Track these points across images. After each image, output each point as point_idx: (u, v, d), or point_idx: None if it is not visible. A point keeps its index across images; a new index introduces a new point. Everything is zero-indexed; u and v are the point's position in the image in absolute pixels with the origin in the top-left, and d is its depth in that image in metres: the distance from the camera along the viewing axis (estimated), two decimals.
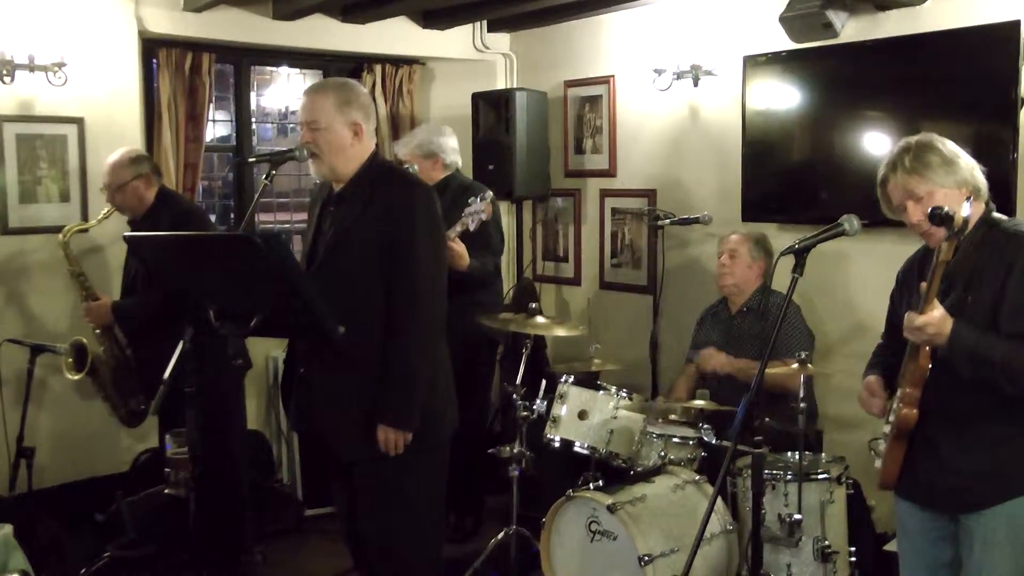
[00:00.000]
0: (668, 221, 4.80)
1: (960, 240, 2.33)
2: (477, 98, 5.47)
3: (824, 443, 4.11)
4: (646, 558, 3.27)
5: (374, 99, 3.37)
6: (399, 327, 2.90)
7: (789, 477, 3.40)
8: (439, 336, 3.05)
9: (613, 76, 5.36)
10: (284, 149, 3.05)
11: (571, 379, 3.95)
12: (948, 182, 2.51)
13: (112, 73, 4.70)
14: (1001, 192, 3.21)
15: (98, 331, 4.27)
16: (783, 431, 3.55)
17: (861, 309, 4.29)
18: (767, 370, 2.72)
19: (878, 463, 2.69)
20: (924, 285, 2.40)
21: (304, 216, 5.68)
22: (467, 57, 5.84)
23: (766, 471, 3.30)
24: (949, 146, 2.56)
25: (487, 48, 5.87)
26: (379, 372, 2.90)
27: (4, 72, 4.37)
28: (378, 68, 5.68)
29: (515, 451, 3.97)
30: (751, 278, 4.25)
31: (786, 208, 4.52)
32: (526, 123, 5.30)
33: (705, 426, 3.83)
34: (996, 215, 2.59)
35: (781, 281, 3.19)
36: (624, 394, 3.90)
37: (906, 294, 2.72)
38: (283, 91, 6.06)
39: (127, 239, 3.22)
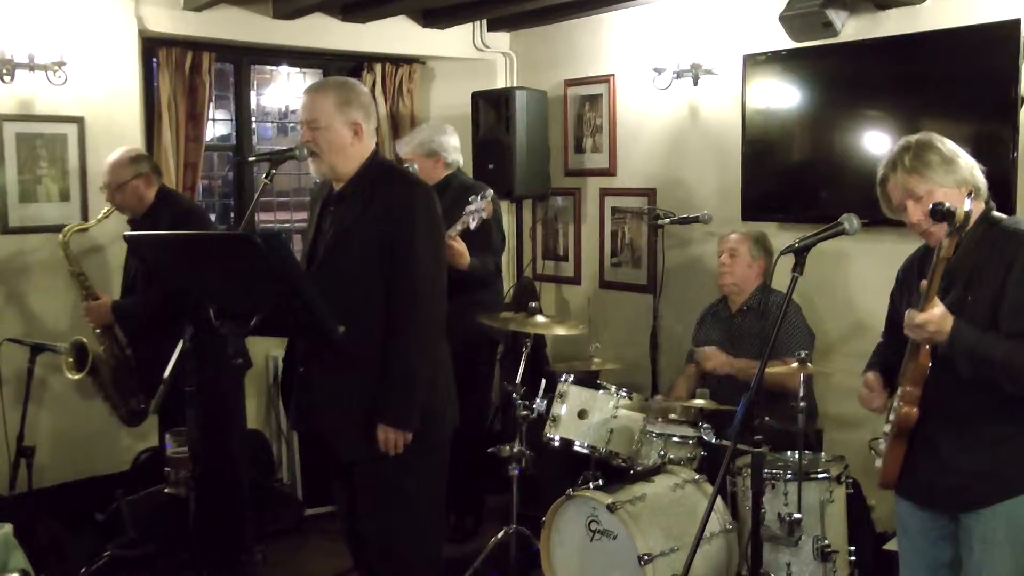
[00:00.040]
0: (668, 220, 4.80)
1: (961, 236, 2.33)
2: (477, 97, 5.47)
3: (824, 442, 4.11)
4: (646, 557, 3.28)
5: (374, 98, 3.37)
6: (399, 327, 2.90)
7: (789, 476, 3.41)
8: (439, 336, 3.05)
9: (613, 75, 5.36)
10: (284, 148, 3.05)
11: (571, 378, 3.95)
12: (948, 181, 2.51)
13: (112, 72, 4.70)
14: (1001, 191, 3.21)
15: (98, 331, 4.27)
16: (783, 430, 3.55)
17: (861, 308, 4.29)
18: (767, 369, 2.72)
19: (878, 462, 2.69)
20: (925, 283, 2.40)
21: (304, 215, 5.71)
22: (467, 56, 5.84)
23: (766, 470, 3.30)
24: (948, 145, 2.56)
25: (487, 47, 5.87)
26: (379, 372, 2.90)
27: (4, 71, 4.37)
28: (378, 67, 5.68)
29: (515, 450, 3.97)
30: (751, 277, 4.25)
31: (786, 207, 4.52)
32: (526, 122, 5.30)
33: (705, 425, 3.83)
34: (996, 214, 2.59)
35: (781, 280, 3.19)
36: (624, 393, 3.90)
37: (906, 293, 2.72)
38: (283, 90, 6.06)
39: (127, 238, 3.22)
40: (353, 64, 5.71)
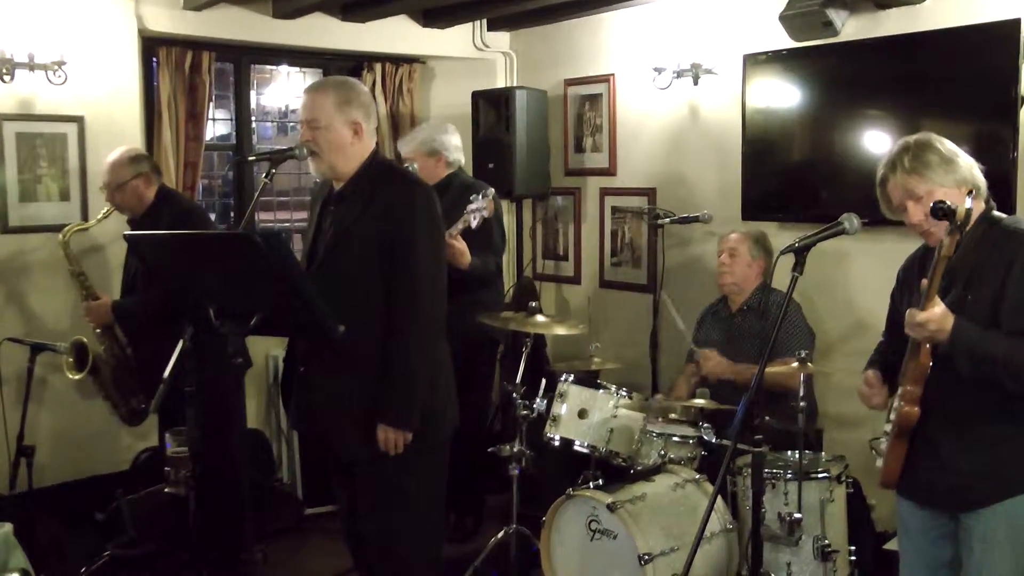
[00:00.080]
0: (668, 220, 4.80)
1: (962, 235, 2.33)
2: (477, 97, 5.47)
3: (824, 442, 4.11)
4: (646, 557, 3.27)
5: (374, 98, 3.37)
6: (399, 327, 2.90)
7: (789, 476, 3.40)
8: (439, 336, 3.05)
9: (613, 75, 5.36)
10: (284, 148, 3.04)
11: (571, 378, 3.95)
12: (947, 181, 2.51)
13: (112, 72, 4.70)
14: (1001, 190, 3.21)
15: (98, 330, 4.27)
16: (783, 430, 3.55)
17: (861, 308, 4.29)
18: (767, 369, 2.72)
19: (879, 462, 2.69)
20: (925, 282, 2.40)
21: (304, 215, 5.71)
22: (467, 56, 5.84)
23: (766, 470, 3.29)
24: (948, 145, 2.57)
25: (487, 47, 5.87)
26: (379, 371, 2.90)
27: (4, 71, 4.36)
28: (378, 67, 5.68)
29: (515, 450, 3.97)
30: (751, 277, 4.25)
31: (786, 207, 4.52)
32: (526, 122, 5.30)
33: (705, 425, 3.83)
34: (996, 213, 2.59)
35: (781, 280, 3.19)
36: (624, 393, 3.89)
37: (907, 292, 2.72)
38: (283, 90, 6.06)
39: (127, 238, 3.22)
40: (353, 64, 5.70)
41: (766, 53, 4.51)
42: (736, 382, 4.02)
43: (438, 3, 5.17)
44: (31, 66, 4.41)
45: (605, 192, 5.50)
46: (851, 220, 2.64)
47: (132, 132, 4.77)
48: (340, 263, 2.95)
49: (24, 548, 3.00)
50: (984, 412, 2.49)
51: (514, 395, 4.00)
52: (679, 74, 4.89)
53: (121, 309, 4.14)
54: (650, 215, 5.05)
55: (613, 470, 3.80)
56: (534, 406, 3.96)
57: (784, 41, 4.38)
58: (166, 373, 2.84)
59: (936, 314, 2.39)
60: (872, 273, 4.16)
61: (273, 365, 5.23)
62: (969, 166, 2.56)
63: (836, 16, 4.15)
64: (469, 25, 5.75)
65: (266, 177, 3.02)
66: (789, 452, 3.58)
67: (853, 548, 3.50)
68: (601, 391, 3.89)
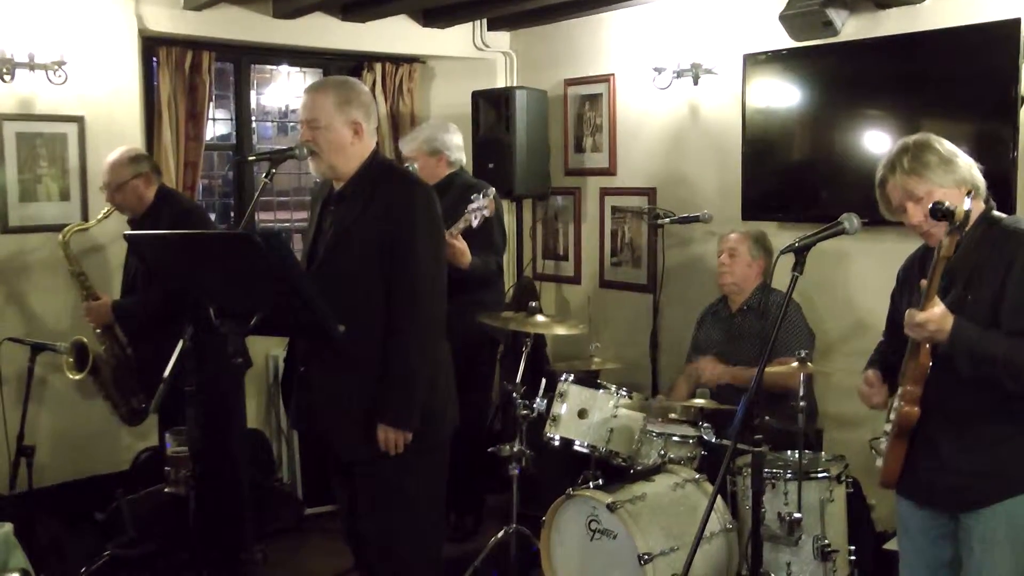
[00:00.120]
0: (668, 220, 4.80)
1: (962, 235, 2.33)
2: (477, 96, 5.47)
3: (824, 442, 4.11)
4: (646, 557, 3.27)
5: (374, 98, 3.37)
6: (399, 327, 2.90)
7: (789, 476, 3.40)
8: (439, 335, 3.05)
9: (613, 75, 5.36)
10: (284, 148, 3.04)
11: (571, 378, 3.95)
12: (947, 181, 2.51)
13: (112, 71, 4.70)
14: (1001, 190, 3.21)
15: (98, 330, 4.27)
16: (783, 429, 3.55)
17: (861, 307, 4.29)
18: (767, 369, 2.72)
19: (879, 462, 2.69)
20: (924, 282, 2.40)
21: (304, 215, 5.71)
22: (467, 55, 5.84)
23: (766, 470, 3.30)
24: (947, 145, 2.57)
25: (487, 46, 5.87)
26: (379, 372, 2.90)
27: (4, 71, 4.37)
28: (378, 67, 5.68)
29: (515, 450, 3.97)
30: (751, 276, 4.25)
31: (786, 206, 4.52)
32: (526, 122, 5.30)
33: (705, 425, 3.83)
34: (996, 213, 2.59)
35: (781, 280, 3.19)
36: (624, 393, 3.89)
37: (907, 292, 2.72)
38: (283, 89, 6.06)
39: (127, 238, 3.22)
40: (353, 64, 5.71)
41: (766, 53, 4.51)
42: (735, 384, 4.02)
43: (438, 3, 5.17)
44: (31, 66, 4.41)
45: (605, 192, 5.51)
46: (851, 220, 2.64)
47: (132, 132, 4.77)
48: (340, 263, 2.95)
49: (24, 548, 3.00)
50: (984, 412, 2.49)
51: (514, 395, 4.00)
52: (679, 74, 4.89)
53: (121, 309, 4.14)
54: (650, 215, 5.05)
55: (613, 470, 3.80)
56: (534, 406, 3.96)
57: (784, 41, 4.38)
58: (166, 373, 2.84)
59: (935, 314, 2.39)
60: (872, 273, 4.16)
61: (273, 365, 5.23)
62: (968, 166, 2.56)
63: (836, 16, 4.15)
64: (469, 25, 5.75)
65: (266, 177, 3.02)
66: (789, 452, 3.58)
67: (853, 548, 3.50)
68: (601, 391, 3.89)
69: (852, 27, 4.23)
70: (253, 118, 5.60)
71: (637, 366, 4.89)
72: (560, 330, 4.24)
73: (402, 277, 2.91)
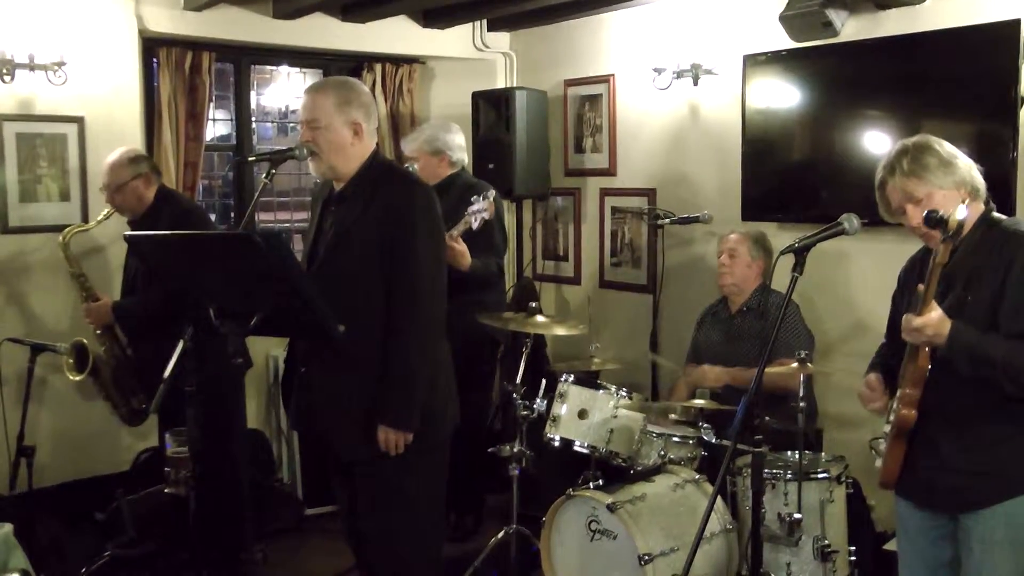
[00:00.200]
0: (668, 220, 4.81)
1: (956, 242, 2.34)
2: (477, 97, 5.48)
3: (824, 442, 4.11)
4: (646, 557, 3.28)
5: (374, 98, 3.37)
6: (399, 327, 2.90)
7: (789, 476, 3.40)
8: (439, 336, 3.05)
9: (613, 75, 5.36)
10: (284, 148, 3.05)
11: (571, 378, 3.95)
12: (947, 183, 2.51)
13: (112, 72, 4.70)
14: (1001, 191, 3.22)
15: (99, 331, 4.27)
16: (783, 430, 3.55)
17: (861, 308, 4.30)
18: (767, 369, 2.72)
19: (879, 462, 2.69)
20: (921, 287, 2.40)
21: (304, 215, 5.72)
22: (467, 56, 5.84)
23: (766, 470, 3.30)
24: (946, 147, 2.57)
25: (487, 47, 5.87)
26: (379, 372, 2.90)
27: (4, 71, 4.37)
28: (378, 67, 5.68)
29: (515, 450, 3.97)
30: (751, 277, 4.24)
31: (786, 207, 4.52)
32: (526, 122, 5.30)
33: (705, 425, 3.83)
34: (996, 215, 2.59)
35: (781, 280, 3.19)
36: (624, 393, 3.89)
37: (907, 294, 2.72)
38: (283, 90, 6.06)
39: (127, 238, 3.22)
40: (353, 64, 5.71)
41: (766, 53, 4.51)
42: (736, 385, 4.02)
43: (438, 3, 5.17)
44: (31, 66, 4.41)
45: (605, 192, 5.51)
46: (851, 220, 2.64)
47: (132, 132, 4.77)
48: (340, 263, 2.95)
49: (24, 548, 3.01)
50: (984, 412, 2.49)
51: (514, 395, 4.00)
52: (679, 74, 4.89)
53: (121, 309, 4.14)
54: (650, 215, 5.05)
55: (613, 470, 3.80)
56: (534, 406, 3.96)
57: (784, 41, 4.38)
58: (166, 373, 2.84)
59: (933, 319, 2.39)
60: (872, 273, 4.16)
61: (273, 365, 5.24)
62: (968, 168, 2.56)
63: (836, 16, 4.15)
64: (469, 25, 5.76)
65: (266, 177, 3.02)
66: (789, 452, 3.57)
67: (853, 548, 3.50)
68: (601, 391, 3.89)
69: (852, 28, 4.23)
70: (253, 119, 5.60)
71: (637, 366, 4.89)
72: (560, 330, 4.24)
73: (402, 277, 2.91)
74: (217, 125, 5.55)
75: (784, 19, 4.25)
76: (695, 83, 4.82)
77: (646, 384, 4.84)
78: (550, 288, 5.92)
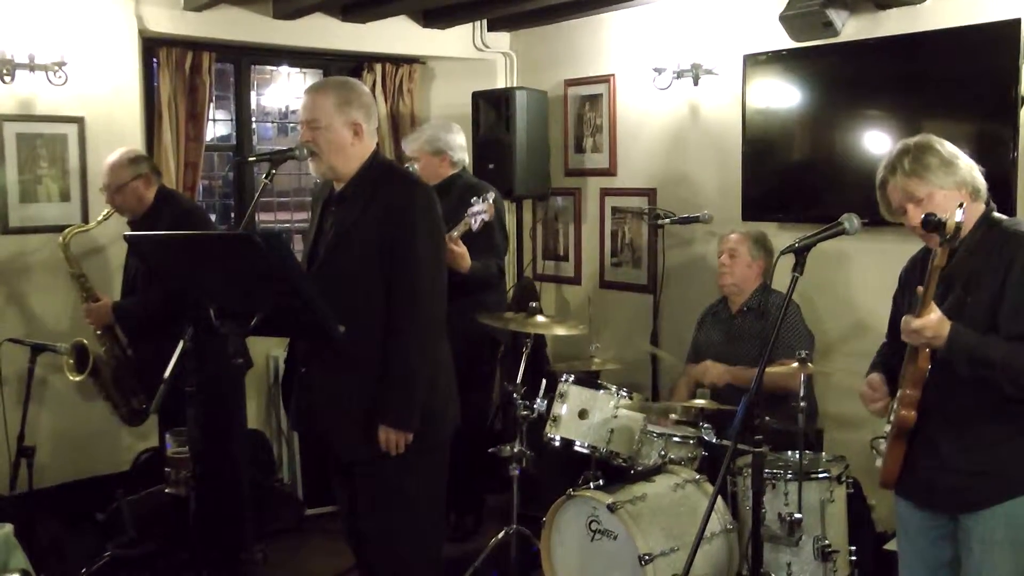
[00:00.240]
0: (668, 220, 4.81)
1: (954, 245, 2.33)
2: (477, 97, 5.48)
3: (824, 442, 4.11)
4: (646, 557, 3.27)
5: (374, 98, 3.37)
6: (399, 327, 2.90)
7: (789, 476, 3.40)
8: (439, 336, 3.05)
9: (613, 75, 5.36)
10: (284, 148, 3.05)
11: (571, 378, 3.95)
12: (947, 183, 2.51)
13: (112, 72, 4.70)
14: (1001, 191, 3.21)
15: (99, 332, 4.27)
16: (783, 430, 3.55)
17: (861, 308, 4.29)
18: (767, 369, 2.71)
19: (879, 462, 2.69)
20: (920, 289, 2.40)
21: (304, 215, 5.72)
22: (467, 56, 5.84)
23: (766, 470, 3.30)
24: (948, 147, 2.56)
25: (487, 47, 5.88)
26: (379, 372, 2.90)
27: (4, 71, 4.37)
28: (378, 67, 5.68)
29: (515, 450, 3.97)
30: (751, 277, 4.24)
31: (786, 207, 4.52)
32: (526, 122, 5.30)
33: (705, 425, 3.83)
34: (996, 215, 2.58)
35: (781, 280, 3.19)
36: (624, 393, 3.89)
37: (908, 294, 2.72)
38: (283, 90, 6.06)
39: (127, 239, 3.22)
40: (353, 64, 5.71)
41: (766, 53, 4.51)
42: (737, 384, 4.02)
43: (438, 3, 5.17)
44: (31, 67, 4.41)
45: (605, 192, 5.51)
46: (851, 220, 2.64)
47: (132, 133, 4.77)
48: (341, 264, 2.95)
49: (24, 548, 3.01)
50: (984, 413, 2.49)
51: (514, 395, 4.00)
52: (679, 74, 4.89)
53: (122, 310, 4.14)
54: (650, 215, 5.05)
55: (613, 470, 3.80)
56: (534, 406, 3.96)
57: (784, 41, 4.38)
58: (166, 373, 2.84)
59: (932, 321, 2.38)
60: (872, 273, 4.16)
61: (273, 365, 5.23)
62: (969, 168, 2.56)
63: (836, 16, 4.15)
64: (469, 25, 5.76)
65: (266, 178, 3.02)
66: (789, 452, 3.58)
67: (853, 548, 3.50)
68: (601, 391, 3.89)
69: (852, 27, 4.23)
70: (253, 119, 5.60)
71: (637, 366, 4.89)
72: (560, 330, 4.24)
73: (402, 277, 2.91)
74: (217, 125, 5.55)
75: (784, 19, 4.25)
76: (695, 83, 4.82)
77: (646, 384, 4.85)
78: (550, 288, 5.92)
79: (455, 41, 5.78)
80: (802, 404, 3.41)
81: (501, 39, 5.93)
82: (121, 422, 4.46)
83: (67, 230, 4.33)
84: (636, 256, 5.37)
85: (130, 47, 4.75)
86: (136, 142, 4.69)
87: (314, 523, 4.92)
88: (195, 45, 5.01)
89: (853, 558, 3.49)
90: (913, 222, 2.54)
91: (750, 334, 4.15)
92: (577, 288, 5.75)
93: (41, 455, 4.24)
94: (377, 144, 3.12)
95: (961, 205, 2.34)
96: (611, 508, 3.37)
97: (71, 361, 4.27)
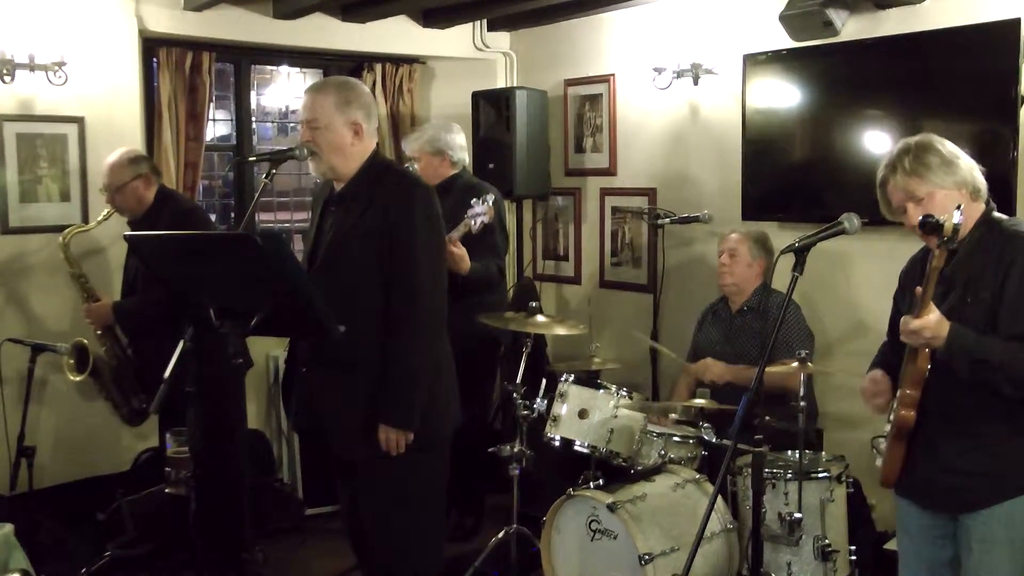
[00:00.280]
0: (668, 220, 4.81)
1: (954, 246, 2.33)
2: (477, 97, 5.48)
3: (824, 442, 4.11)
4: (646, 557, 3.28)
5: (374, 98, 3.37)
6: (399, 327, 2.90)
7: (789, 476, 3.40)
8: (440, 335, 3.05)
9: (613, 75, 5.36)
10: (284, 148, 3.05)
11: (571, 378, 3.95)
12: (948, 183, 2.51)
13: (112, 72, 4.70)
14: (1001, 191, 3.21)
15: (99, 332, 4.27)
16: (783, 430, 3.55)
17: (861, 308, 4.29)
18: (768, 369, 2.71)
19: (879, 461, 2.69)
20: (919, 289, 2.40)
21: (304, 215, 5.72)
22: (467, 56, 5.84)
23: (766, 470, 3.30)
24: (948, 147, 2.56)
25: (487, 47, 5.88)
26: (380, 372, 2.90)
27: (4, 71, 4.37)
28: (378, 67, 5.69)
29: (515, 450, 3.97)
30: (751, 277, 4.24)
31: (786, 207, 4.52)
32: (526, 122, 5.30)
33: (705, 425, 3.83)
34: (996, 215, 2.58)
35: (782, 280, 3.19)
36: (624, 393, 3.89)
37: (908, 294, 2.72)
38: (283, 90, 6.06)
39: (127, 239, 3.22)
40: (353, 64, 5.71)
41: (766, 53, 4.51)
42: (738, 383, 4.02)
43: (438, 3, 5.17)
44: (31, 67, 4.41)
45: (605, 192, 5.51)
46: (851, 220, 2.64)
47: (132, 133, 4.77)
48: (341, 264, 2.95)
49: (25, 549, 3.01)
50: (983, 413, 2.49)
51: (514, 395, 4.01)
52: (679, 74, 4.89)
53: (122, 310, 4.14)
54: (650, 215, 5.05)
55: (613, 470, 3.80)
56: (534, 406, 3.96)
57: (784, 41, 4.38)
58: (167, 373, 2.84)
59: (931, 321, 2.38)
60: (872, 273, 4.16)
61: (273, 365, 5.24)
62: (970, 168, 2.56)
63: (836, 16, 4.15)
64: (469, 25, 5.76)
65: (266, 178, 3.03)
66: (789, 452, 3.58)
67: (853, 548, 3.50)
68: (601, 391, 3.89)
69: (852, 27, 4.23)
70: (253, 119, 5.61)
71: (637, 366, 4.89)
72: (560, 330, 4.24)
73: (402, 277, 2.91)
74: (217, 125, 5.55)
75: (784, 19, 4.25)
76: (695, 83, 4.82)
77: (646, 384, 4.85)
78: (550, 288, 5.92)
79: (455, 41, 5.78)
80: (802, 404, 3.41)
81: (501, 39, 5.93)
82: (121, 422, 4.46)
83: (67, 230, 4.33)
84: (636, 256, 5.37)
85: (130, 47, 4.75)
86: (136, 142, 4.69)
87: (314, 523, 4.91)
88: (195, 45, 5.01)
89: (853, 558, 3.49)
90: (913, 221, 2.54)
91: (750, 334, 4.15)
92: (577, 288, 5.75)
93: (41, 455, 4.25)
94: (377, 144, 3.11)
95: (959, 207, 2.33)
96: (611, 508, 3.37)
97: (71, 361, 4.27)
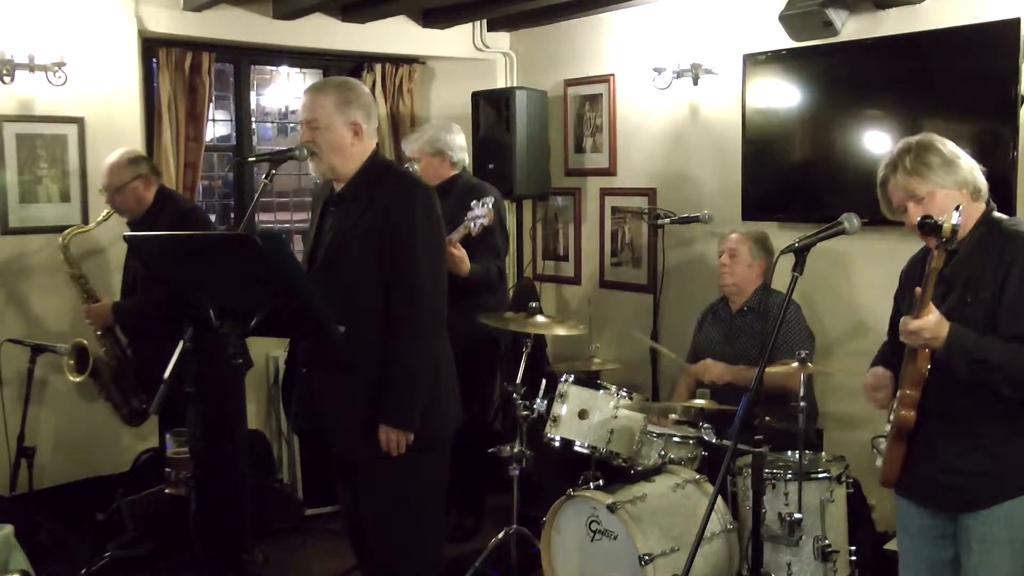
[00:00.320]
0: (668, 220, 4.81)
1: (953, 246, 2.33)
2: (477, 97, 5.48)
3: (824, 442, 4.11)
4: (646, 557, 3.28)
5: (374, 98, 3.37)
6: (399, 327, 2.90)
7: (789, 476, 3.40)
8: (440, 335, 3.05)
9: (613, 75, 5.36)
10: (284, 148, 3.05)
11: (571, 378, 3.95)
12: (949, 182, 2.51)
13: (112, 73, 4.70)
14: (1001, 191, 3.21)
15: (99, 332, 4.27)
16: (783, 430, 3.55)
17: (861, 307, 4.29)
18: (767, 369, 2.71)
19: (879, 461, 2.69)
20: (918, 290, 2.40)
21: (304, 216, 5.72)
22: (467, 56, 5.84)
23: (766, 470, 3.30)
24: (949, 146, 2.56)
25: (487, 47, 5.88)
26: (380, 372, 2.90)
27: (4, 72, 4.37)
28: (378, 67, 5.69)
29: (515, 450, 3.97)
30: (751, 277, 4.24)
31: (786, 207, 4.52)
32: (526, 122, 5.30)
33: (705, 425, 3.83)
34: (996, 215, 2.58)
35: (782, 280, 3.19)
36: (624, 393, 3.89)
37: (908, 295, 2.72)
38: (283, 90, 6.06)
39: (127, 239, 3.22)
40: (353, 64, 5.71)
41: (766, 53, 4.51)
42: (738, 383, 4.02)
43: (438, 3, 5.17)
44: (31, 67, 4.41)
45: (605, 192, 5.51)
46: (851, 220, 2.64)
47: (132, 133, 4.77)
48: (341, 264, 2.95)
49: (25, 549, 3.01)
50: (983, 413, 2.49)
51: (514, 396, 4.00)
52: (679, 74, 4.89)
53: (122, 310, 4.14)
54: (650, 215, 5.05)
55: (613, 470, 3.80)
56: (534, 407, 3.96)
57: (784, 41, 4.38)
58: (167, 374, 2.84)
59: (930, 322, 2.38)
60: (873, 273, 4.16)
61: (273, 366, 5.23)
62: (970, 167, 2.55)
63: (836, 16, 4.15)
64: (469, 25, 5.76)
65: (266, 178, 3.03)
66: (789, 452, 3.57)
67: (853, 548, 3.50)
68: (601, 391, 3.89)
69: (852, 27, 4.23)
70: (253, 119, 5.60)
71: (637, 367, 4.89)
72: (560, 330, 4.24)
73: (402, 277, 2.91)
74: (217, 125, 5.55)
75: (784, 19, 4.25)
76: (695, 83, 4.82)
77: (646, 384, 4.85)
78: (550, 288, 5.92)
79: (455, 41, 5.78)
80: (802, 404, 3.41)
81: (501, 39, 5.93)
82: (121, 422, 4.46)
83: (67, 231, 4.33)
84: (636, 256, 5.37)
85: (130, 47, 4.75)
86: (136, 142, 4.69)
87: (314, 523, 4.91)
88: (195, 45, 5.01)
89: (853, 558, 3.49)
90: (914, 221, 2.54)
91: (750, 334, 4.15)
92: (577, 288, 5.75)
93: (41, 455, 4.25)
94: (377, 144, 3.11)
95: (958, 207, 2.34)
96: (611, 508, 3.37)
97: (71, 362, 4.27)
